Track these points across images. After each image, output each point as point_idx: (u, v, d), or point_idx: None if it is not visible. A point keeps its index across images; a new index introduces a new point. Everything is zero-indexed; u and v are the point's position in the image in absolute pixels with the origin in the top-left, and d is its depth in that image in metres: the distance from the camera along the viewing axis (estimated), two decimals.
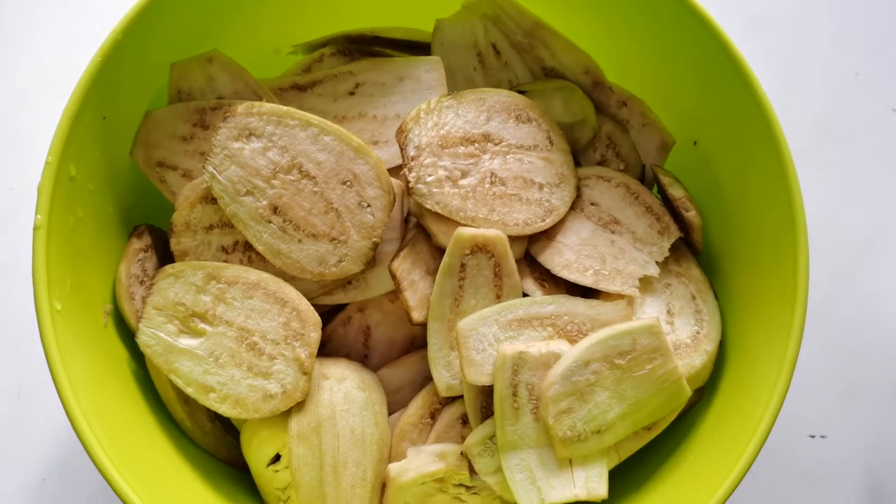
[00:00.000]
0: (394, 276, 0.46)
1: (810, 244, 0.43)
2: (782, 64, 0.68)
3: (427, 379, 0.47)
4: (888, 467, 0.59)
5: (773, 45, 0.69)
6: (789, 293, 0.42)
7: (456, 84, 0.52)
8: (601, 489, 0.44)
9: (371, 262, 0.46)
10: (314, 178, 0.45)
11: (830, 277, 0.63)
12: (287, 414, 0.45)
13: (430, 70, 0.49)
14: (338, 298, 0.47)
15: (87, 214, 0.45)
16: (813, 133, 0.66)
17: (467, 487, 0.45)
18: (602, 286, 0.47)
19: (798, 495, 0.59)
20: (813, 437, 0.60)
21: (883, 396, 0.61)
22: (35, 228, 0.41)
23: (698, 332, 0.47)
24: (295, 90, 0.51)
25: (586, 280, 0.47)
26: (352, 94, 0.50)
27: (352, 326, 0.49)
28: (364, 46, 0.53)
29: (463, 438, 0.45)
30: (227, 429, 0.50)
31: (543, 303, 0.46)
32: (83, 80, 0.43)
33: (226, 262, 0.47)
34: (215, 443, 0.49)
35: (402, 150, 0.46)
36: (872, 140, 0.66)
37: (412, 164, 0.45)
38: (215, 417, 0.49)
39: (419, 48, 0.53)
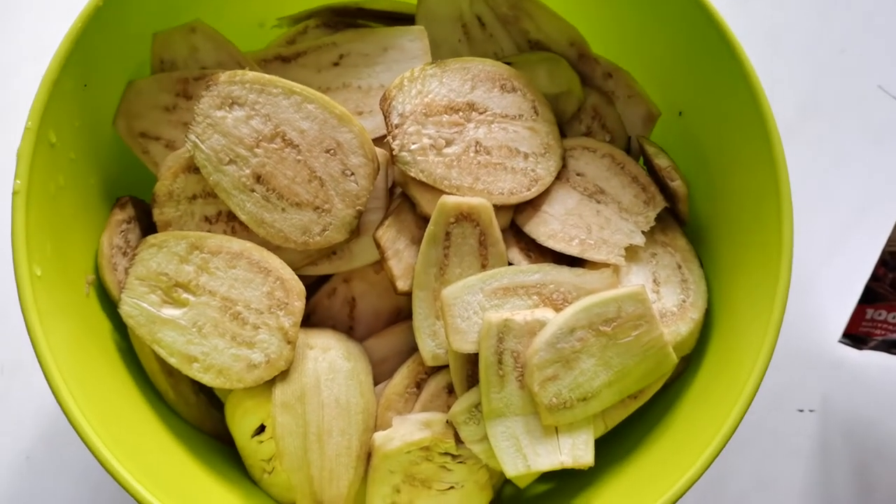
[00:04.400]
0: (378, 245, 0.45)
1: (795, 220, 0.43)
2: (769, 40, 0.68)
3: (412, 349, 0.47)
4: (875, 442, 0.59)
5: (760, 21, 0.69)
6: (774, 259, 0.42)
7: (441, 56, 0.52)
8: (587, 457, 0.44)
9: (355, 232, 0.46)
10: (297, 146, 0.45)
11: (817, 252, 0.63)
12: (271, 384, 0.44)
13: (413, 39, 0.49)
14: (322, 269, 0.47)
15: (68, 183, 0.44)
16: (799, 109, 0.66)
17: (453, 456, 0.45)
18: (588, 255, 0.47)
19: (786, 469, 0.59)
20: (801, 411, 0.60)
21: (872, 371, 0.61)
22: (14, 193, 0.40)
23: (684, 301, 0.47)
24: (279, 62, 0.50)
25: (572, 249, 0.47)
26: (336, 64, 0.50)
27: (337, 297, 0.48)
28: (348, 19, 0.53)
29: (448, 407, 0.45)
30: (212, 401, 0.49)
31: (529, 271, 0.45)
32: (63, 46, 0.43)
33: (209, 232, 0.46)
34: (200, 415, 0.49)
35: (385, 117, 0.45)
36: (858, 116, 0.66)
37: (396, 131, 0.45)
38: (200, 390, 0.49)
39: (403, 20, 0.52)
